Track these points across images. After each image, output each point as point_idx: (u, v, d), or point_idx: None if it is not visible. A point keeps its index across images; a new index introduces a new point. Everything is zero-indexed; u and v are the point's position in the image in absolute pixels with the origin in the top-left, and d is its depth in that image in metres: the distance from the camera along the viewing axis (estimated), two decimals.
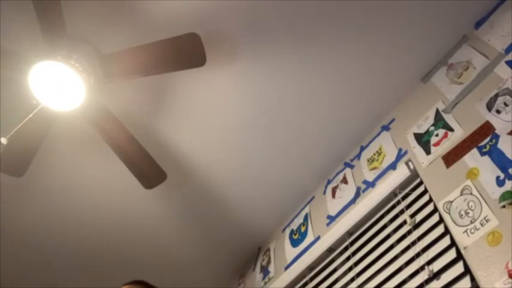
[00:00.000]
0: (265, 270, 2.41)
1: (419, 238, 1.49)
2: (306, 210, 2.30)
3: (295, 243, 2.24)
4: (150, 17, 1.65)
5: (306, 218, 2.26)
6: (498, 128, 1.42)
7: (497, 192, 1.29)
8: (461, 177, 1.45)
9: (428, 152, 1.66)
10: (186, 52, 1.60)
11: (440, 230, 1.43)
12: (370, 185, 1.88)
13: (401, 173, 1.73)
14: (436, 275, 1.36)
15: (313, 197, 2.32)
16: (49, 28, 1.49)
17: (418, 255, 1.45)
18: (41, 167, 2.07)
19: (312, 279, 2.01)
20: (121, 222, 2.42)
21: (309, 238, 2.13)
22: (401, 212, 1.66)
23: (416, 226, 1.54)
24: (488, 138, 1.43)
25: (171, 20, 1.66)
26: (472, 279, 1.25)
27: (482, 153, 1.42)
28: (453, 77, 1.74)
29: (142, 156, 1.89)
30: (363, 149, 2.09)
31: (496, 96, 1.48)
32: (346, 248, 1.89)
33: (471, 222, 1.32)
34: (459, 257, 1.32)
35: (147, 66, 1.63)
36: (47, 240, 2.44)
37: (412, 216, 1.58)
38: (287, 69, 1.86)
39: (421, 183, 1.64)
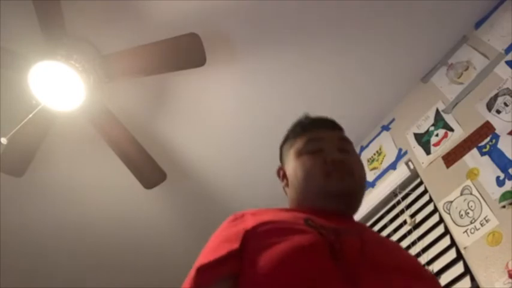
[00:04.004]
0: None
1: (420, 238, 1.49)
2: None
3: None
4: (150, 17, 1.65)
5: None
6: (498, 128, 1.42)
7: (497, 192, 1.29)
8: (461, 177, 1.45)
9: (428, 152, 1.66)
10: (186, 52, 1.60)
11: (440, 230, 1.43)
12: (370, 185, 1.88)
13: (401, 173, 1.73)
14: (436, 275, 1.35)
15: None
16: (49, 28, 1.49)
17: (418, 255, 1.45)
18: (41, 167, 2.07)
19: None
20: (121, 221, 2.41)
21: None
22: (402, 212, 1.66)
23: (417, 226, 1.54)
24: (488, 138, 1.43)
25: (171, 20, 1.66)
26: (472, 279, 1.25)
27: (482, 153, 1.42)
28: (453, 77, 1.74)
29: (142, 156, 1.89)
30: (362, 149, 2.09)
31: (496, 96, 1.48)
32: None
33: (471, 222, 1.32)
34: (459, 257, 1.32)
35: (147, 66, 1.63)
36: (47, 240, 2.43)
37: (412, 216, 1.58)
38: (287, 69, 1.86)
39: (421, 183, 1.64)
